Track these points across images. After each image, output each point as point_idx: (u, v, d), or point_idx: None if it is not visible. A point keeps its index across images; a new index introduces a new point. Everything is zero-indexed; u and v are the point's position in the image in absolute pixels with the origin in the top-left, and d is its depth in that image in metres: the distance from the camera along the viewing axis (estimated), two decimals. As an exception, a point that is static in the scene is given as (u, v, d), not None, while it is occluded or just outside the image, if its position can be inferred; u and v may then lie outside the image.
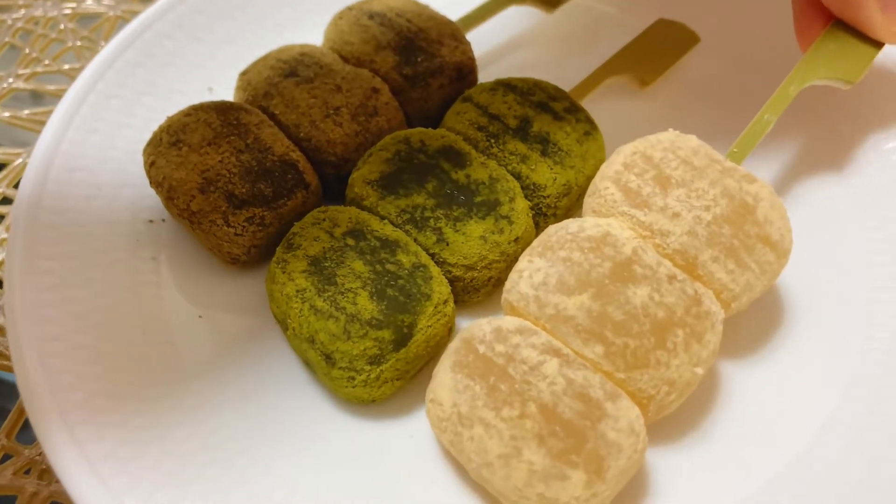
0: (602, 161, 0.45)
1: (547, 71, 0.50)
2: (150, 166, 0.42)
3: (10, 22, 0.59)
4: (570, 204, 0.44)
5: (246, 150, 0.42)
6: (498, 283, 0.42)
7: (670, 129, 0.40)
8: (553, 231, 0.38)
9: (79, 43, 0.58)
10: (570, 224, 0.37)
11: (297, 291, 0.37)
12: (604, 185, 0.38)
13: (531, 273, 0.36)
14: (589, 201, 0.39)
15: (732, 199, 0.37)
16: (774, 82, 0.43)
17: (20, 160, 0.51)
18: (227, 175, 0.41)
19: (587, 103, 0.48)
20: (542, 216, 0.43)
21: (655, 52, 0.52)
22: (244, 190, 0.41)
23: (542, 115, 0.44)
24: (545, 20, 0.56)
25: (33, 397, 0.36)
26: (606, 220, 0.37)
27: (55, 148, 0.45)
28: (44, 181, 0.43)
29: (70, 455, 0.34)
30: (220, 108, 0.44)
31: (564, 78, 0.48)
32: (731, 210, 0.37)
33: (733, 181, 0.37)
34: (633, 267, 0.35)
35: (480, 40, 0.52)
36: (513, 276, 0.37)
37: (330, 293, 0.37)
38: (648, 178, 0.38)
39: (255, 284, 0.43)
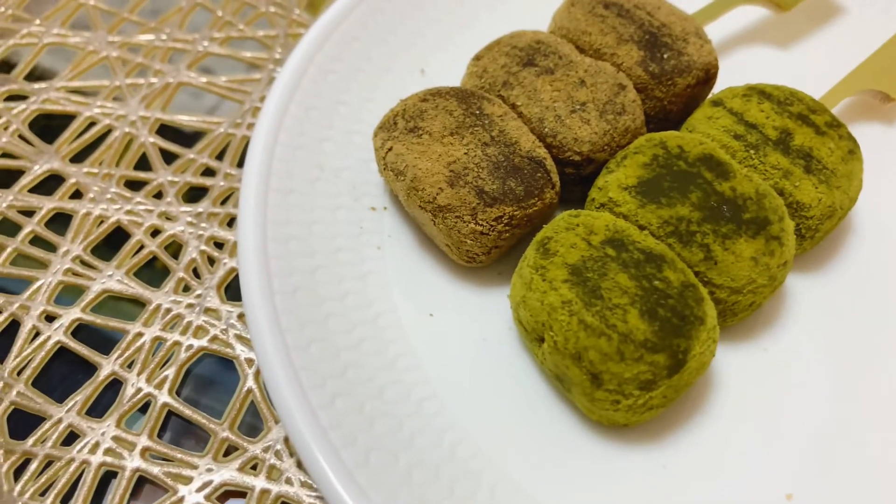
0: (862, 182, 0.41)
1: (780, 77, 0.46)
2: (388, 152, 0.40)
3: (199, -18, 0.56)
4: (831, 228, 0.40)
5: (492, 144, 0.39)
6: (757, 308, 0.39)
7: None
8: None
9: (272, 9, 0.55)
10: None
11: (563, 303, 0.35)
12: None
13: None
14: None
15: None
16: None
17: (221, 129, 0.49)
18: (476, 169, 0.38)
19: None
20: (800, 238, 0.40)
21: (901, 64, 0.48)
22: (495, 187, 0.38)
23: (804, 128, 0.41)
24: (778, 20, 0.52)
25: (279, 396, 0.34)
26: None
27: (279, 123, 0.42)
28: (270, 158, 0.41)
29: (329, 462, 0.32)
30: (461, 95, 0.41)
31: (800, 85, 0.44)
32: None
33: None
34: None
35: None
36: None
37: (598, 308, 0.34)
38: None
39: (484, 286, 0.41)
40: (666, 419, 0.37)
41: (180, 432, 0.39)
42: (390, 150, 0.40)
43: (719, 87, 0.46)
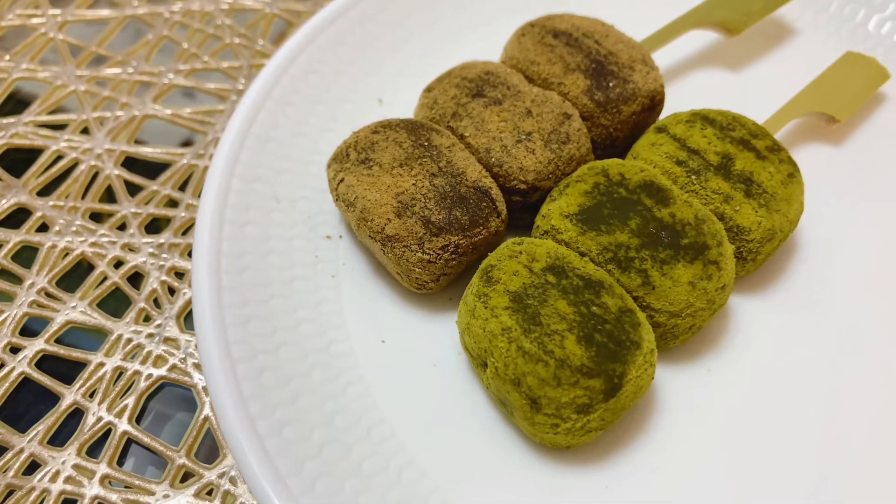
0: (803, 205, 0.42)
1: (727, 101, 0.47)
2: (339, 183, 0.41)
3: (167, 15, 0.58)
4: (772, 250, 0.42)
5: (439, 174, 0.40)
6: (697, 330, 0.40)
7: None
8: None
9: (236, 40, 0.57)
10: None
11: (503, 330, 0.36)
12: None
13: None
14: None
15: None
16: None
17: (184, 161, 0.50)
18: (423, 200, 0.39)
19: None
20: (742, 261, 0.41)
21: (844, 87, 0.49)
22: (441, 216, 0.39)
23: (745, 152, 0.42)
24: (726, 45, 0.53)
25: (228, 425, 0.35)
26: None
27: (236, 155, 0.44)
28: (226, 191, 0.42)
29: (275, 490, 0.33)
30: (411, 127, 0.42)
31: (747, 109, 0.46)
32: None
33: None
34: None
35: (658, 64, 0.50)
36: None
37: (536, 334, 0.35)
38: None
39: (435, 312, 0.42)
40: (609, 440, 0.38)
41: (142, 459, 0.40)
42: (342, 181, 0.41)
43: (671, 110, 0.47)
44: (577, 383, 0.34)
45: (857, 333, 0.41)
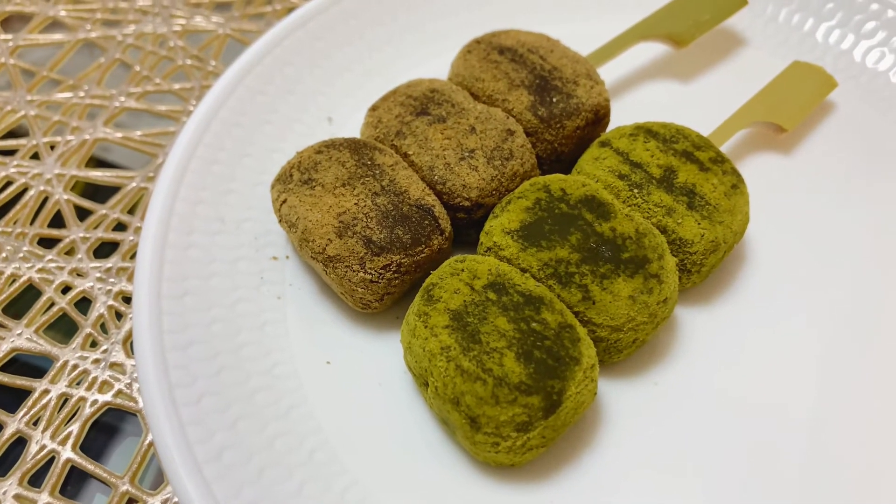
0: (748, 216, 0.43)
1: (676, 113, 0.48)
2: (282, 204, 0.41)
3: (119, 38, 0.58)
4: (717, 262, 0.42)
5: (382, 193, 0.40)
6: (641, 344, 0.40)
7: None
8: None
9: (188, 62, 0.57)
10: None
11: (442, 349, 0.36)
12: None
13: None
14: None
15: None
16: None
17: (134, 184, 0.50)
18: (365, 219, 0.39)
19: (722, 150, 0.46)
20: (686, 273, 0.41)
21: (792, 96, 0.50)
22: (382, 236, 0.39)
23: (688, 164, 0.42)
24: (674, 57, 0.53)
25: (167, 452, 0.35)
26: None
27: (179, 178, 0.44)
28: (169, 214, 0.42)
29: (210, 516, 0.33)
30: (353, 146, 0.42)
31: (695, 121, 0.46)
32: None
33: None
34: None
35: (605, 77, 0.50)
36: None
37: (475, 352, 0.35)
38: None
39: (382, 331, 0.42)
40: (554, 456, 0.38)
41: (90, 486, 0.40)
42: (284, 202, 0.41)
43: (618, 123, 0.47)
44: (516, 401, 0.34)
45: (803, 343, 0.41)
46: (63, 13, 0.60)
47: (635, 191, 0.41)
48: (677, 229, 0.40)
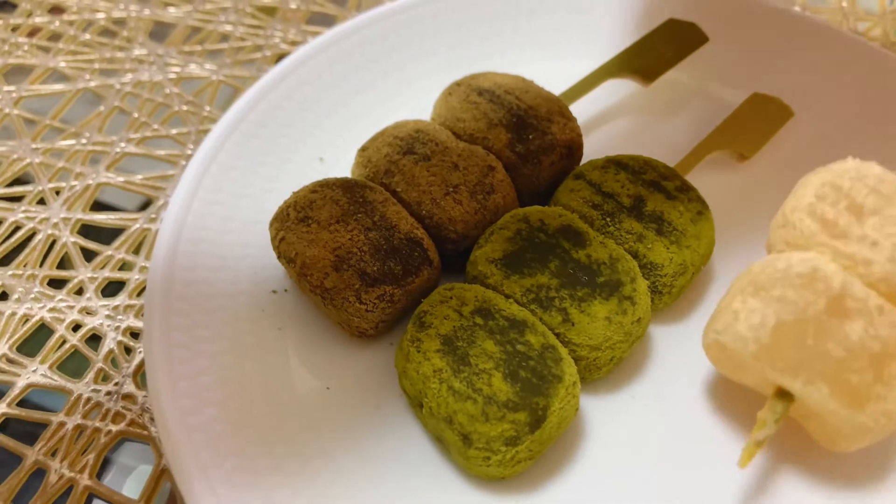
0: (713, 240, 0.46)
1: (644, 145, 0.51)
2: (280, 241, 0.44)
3: (118, 86, 0.61)
4: (686, 283, 0.45)
5: (374, 228, 0.43)
6: (619, 361, 0.43)
7: (850, 157, 0.41)
8: (759, 269, 0.39)
9: (184, 107, 0.60)
10: (777, 261, 0.38)
11: (434, 371, 0.39)
12: (797, 217, 0.39)
13: (747, 315, 0.37)
14: (781, 233, 0.40)
15: None
16: (866, 150, 0.44)
17: (137, 225, 0.53)
18: (359, 253, 0.42)
19: (688, 178, 0.49)
20: (658, 294, 0.44)
21: (752, 126, 0.53)
22: (375, 268, 0.42)
23: (656, 194, 0.45)
24: (642, 93, 0.57)
25: (182, 475, 0.37)
26: (810, 255, 0.38)
27: (183, 219, 0.47)
28: (174, 253, 0.45)
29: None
30: (346, 185, 0.45)
31: (662, 152, 0.50)
32: None
33: None
34: (845, 301, 0.36)
35: (578, 113, 0.54)
36: (726, 317, 0.38)
37: (465, 374, 0.38)
38: (842, 208, 0.38)
39: (378, 356, 0.45)
40: (542, 469, 0.41)
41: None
42: (283, 239, 0.44)
43: (592, 156, 0.50)
44: (504, 417, 0.37)
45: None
46: (63, 64, 0.63)
47: (608, 219, 0.45)
48: (648, 254, 0.44)
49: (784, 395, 0.37)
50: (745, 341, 0.37)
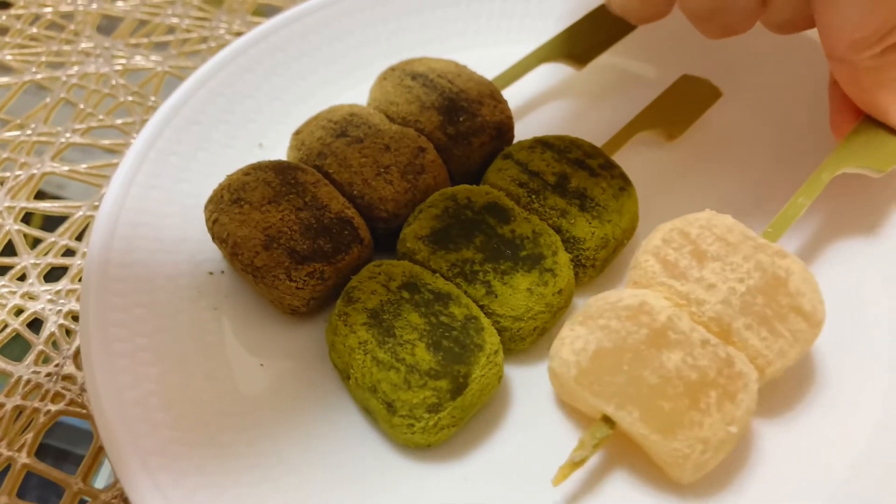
0: (636, 214, 0.48)
1: (577, 126, 0.53)
2: (213, 223, 0.45)
3: (64, 78, 0.62)
4: (608, 256, 0.47)
5: (305, 208, 0.45)
6: (543, 332, 0.44)
7: (707, 210, 0.43)
8: (593, 301, 0.41)
9: (129, 98, 0.61)
10: (610, 295, 0.40)
11: (360, 343, 0.40)
12: (644, 259, 0.42)
13: (572, 340, 0.39)
14: (631, 274, 0.43)
15: (765, 272, 0.39)
16: (791, 133, 0.47)
17: (80, 213, 0.54)
18: (289, 232, 0.44)
19: (618, 157, 0.51)
20: (582, 267, 0.46)
21: (681, 106, 0.55)
22: (305, 246, 0.43)
23: (579, 171, 0.47)
24: (575, 77, 0.59)
25: (114, 446, 0.39)
26: (643, 291, 0.40)
27: (121, 204, 0.48)
28: (112, 236, 0.46)
29: (154, 501, 0.37)
30: (278, 167, 0.47)
31: (594, 132, 0.51)
32: (763, 282, 0.39)
33: (766, 256, 0.40)
34: (667, 333, 0.38)
35: (513, 97, 0.55)
36: (556, 343, 0.40)
37: (390, 345, 0.40)
38: (685, 252, 0.41)
39: (311, 333, 0.46)
40: (467, 437, 0.42)
41: (46, 492, 0.44)
42: (216, 220, 0.45)
43: (524, 138, 0.52)
44: (426, 385, 0.39)
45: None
46: (9, 57, 0.64)
47: (533, 196, 0.46)
48: (570, 229, 0.45)
49: (608, 420, 0.38)
50: (567, 365, 0.39)
